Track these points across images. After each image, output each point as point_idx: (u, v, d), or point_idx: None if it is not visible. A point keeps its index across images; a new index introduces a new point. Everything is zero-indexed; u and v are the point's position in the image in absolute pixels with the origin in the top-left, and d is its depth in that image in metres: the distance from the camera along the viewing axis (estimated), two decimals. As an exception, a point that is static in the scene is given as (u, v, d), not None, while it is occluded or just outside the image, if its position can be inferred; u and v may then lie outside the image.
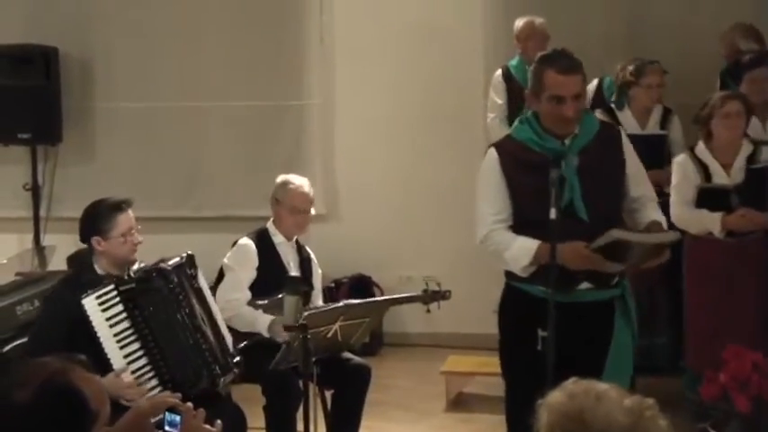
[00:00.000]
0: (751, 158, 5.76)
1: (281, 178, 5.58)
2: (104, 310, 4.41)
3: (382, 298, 6.00)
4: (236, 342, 4.99)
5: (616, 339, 4.28)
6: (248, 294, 5.29)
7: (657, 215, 4.35)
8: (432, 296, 5.43)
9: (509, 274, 4.40)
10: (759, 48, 6.95)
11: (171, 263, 4.62)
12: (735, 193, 5.70)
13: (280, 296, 5.24)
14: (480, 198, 4.35)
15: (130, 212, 4.66)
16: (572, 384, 2.38)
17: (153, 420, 3.00)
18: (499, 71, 7.40)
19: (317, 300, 5.55)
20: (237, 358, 4.84)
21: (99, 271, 4.61)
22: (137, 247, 4.64)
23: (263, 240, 5.44)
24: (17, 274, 5.98)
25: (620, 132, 4.46)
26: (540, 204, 4.09)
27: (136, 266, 4.66)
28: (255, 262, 5.35)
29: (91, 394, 2.57)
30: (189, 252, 4.79)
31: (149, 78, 8.29)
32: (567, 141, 4.24)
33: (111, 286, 4.44)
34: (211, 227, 7.61)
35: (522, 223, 4.26)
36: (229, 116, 8.26)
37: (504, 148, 4.33)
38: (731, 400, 5.15)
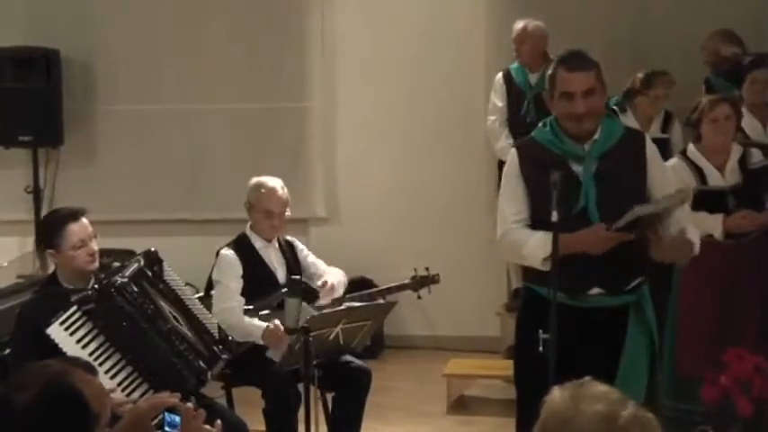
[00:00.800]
0: (742, 161, 5.76)
1: (253, 181, 5.53)
2: (72, 334, 4.34)
3: (373, 290, 5.98)
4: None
5: (628, 347, 4.25)
6: (241, 302, 5.27)
7: (684, 220, 4.32)
8: (420, 281, 5.42)
9: (525, 276, 4.41)
10: (741, 51, 6.96)
11: (128, 272, 4.52)
12: (731, 194, 5.70)
13: (269, 299, 5.29)
14: (502, 197, 4.38)
15: (84, 221, 4.56)
16: (572, 384, 2.40)
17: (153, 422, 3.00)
18: (500, 74, 7.40)
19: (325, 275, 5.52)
20: (230, 338, 4.81)
21: (64, 284, 4.57)
22: (93, 257, 4.56)
23: (243, 247, 5.41)
24: (18, 276, 5.98)
25: (644, 137, 4.43)
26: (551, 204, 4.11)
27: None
28: (239, 270, 5.32)
29: (91, 396, 2.57)
30: (152, 248, 4.75)
31: (150, 81, 8.30)
32: (587, 146, 4.24)
33: (74, 308, 4.36)
34: (212, 229, 7.60)
35: (538, 223, 4.26)
36: (230, 118, 8.27)
37: (525, 148, 4.36)
38: (733, 403, 5.14)
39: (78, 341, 4.33)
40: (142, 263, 4.63)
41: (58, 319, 4.32)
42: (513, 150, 4.39)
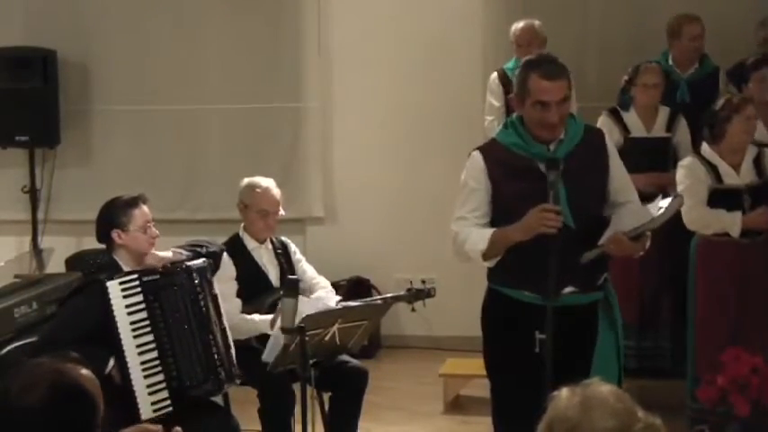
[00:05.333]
0: (756, 160, 5.76)
1: (245, 182, 5.54)
2: (125, 297, 4.51)
3: (367, 300, 5.98)
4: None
5: (600, 342, 4.29)
6: (238, 303, 5.27)
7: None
8: (416, 295, 5.42)
9: (490, 277, 4.41)
10: None
11: (195, 263, 4.72)
12: (747, 193, 5.70)
13: (261, 301, 5.30)
14: (462, 198, 4.33)
15: (146, 208, 4.76)
16: (580, 387, 2.37)
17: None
18: (495, 74, 7.37)
19: (317, 288, 5.52)
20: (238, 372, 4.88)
21: (125, 268, 4.70)
22: (154, 241, 4.75)
23: (235, 248, 5.40)
24: (15, 276, 5.97)
25: (603, 135, 4.46)
26: (524, 208, 4.10)
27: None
28: (233, 272, 5.31)
29: (92, 389, 2.66)
30: (209, 261, 4.86)
31: (147, 81, 8.30)
32: (552, 147, 4.23)
33: (135, 276, 4.56)
34: (209, 229, 7.58)
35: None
36: (226, 118, 8.27)
37: (490, 152, 4.31)
38: (730, 403, 5.14)
39: (127, 306, 4.51)
40: (207, 265, 4.79)
41: (120, 277, 4.53)
42: (477, 153, 4.31)
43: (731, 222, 5.65)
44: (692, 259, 5.84)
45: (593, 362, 4.25)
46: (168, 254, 4.80)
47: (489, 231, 4.19)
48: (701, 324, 5.80)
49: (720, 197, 5.67)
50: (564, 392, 2.36)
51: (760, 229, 5.70)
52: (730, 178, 5.70)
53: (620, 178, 4.37)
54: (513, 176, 4.22)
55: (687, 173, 5.73)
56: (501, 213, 4.25)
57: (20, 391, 2.58)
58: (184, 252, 4.85)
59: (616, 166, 4.36)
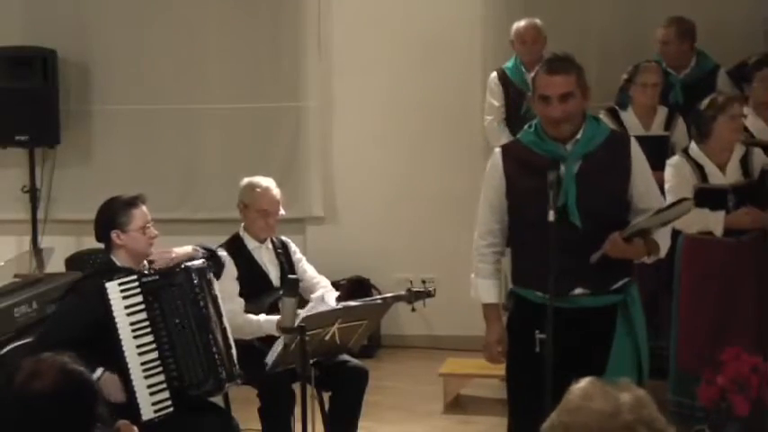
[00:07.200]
0: (743, 160, 5.76)
1: (245, 181, 5.54)
2: (125, 298, 4.50)
3: (367, 299, 5.98)
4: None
5: (615, 347, 4.25)
6: (241, 303, 5.28)
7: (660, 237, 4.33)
8: (416, 295, 5.42)
9: (512, 279, 4.45)
10: None
11: (194, 264, 4.71)
12: (731, 192, 5.70)
13: (261, 301, 5.30)
14: (483, 199, 4.44)
15: (145, 208, 4.75)
16: (589, 383, 2.36)
17: None
18: (494, 74, 7.36)
19: (317, 288, 5.53)
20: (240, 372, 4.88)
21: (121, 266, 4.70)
22: (153, 241, 4.74)
23: (236, 248, 5.40)
24: (15, 276, 5.97)
25: (629, 141, 4.41)
26: (538, 206, 4.12)
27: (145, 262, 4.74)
28: (234, 272, 5.31)
29: (93, 380, 2.84)
30: (209, 262, 4.84)
31: (147, 81, 8.30)
32: (569, 146, 4.25)
33: (134, 276, 4.55)
34: (209, 229, 7.59)
35: (520, 224, 4.31)
36: (226, 118, 8.27)
37: (510, 149, 4.41)
38: (730, 402, 5.15)
39: (127, 307, 4.50)
40: (207, 265, 4.79)
41: (120, 278, 4.51)
42: (498, 150, 4.41)
43: (714, 222, 5.66)
44: (677, 257, 5.85)
45: (608, 365, 4.21)
46: (188, 249, 4.82)
47: (488, 299, 4.46)
48: (684, 321, 5.81)
49: (705, 196, 5.68)
50: (579, 383, 2.35)
51: (743, 228, 5.71)
52: (715, 178, 5.71)
53: (644, 184, 4.33)
54: (527, 173, 4.25)
55: (674, 171, 5.75)
56: (516, 207, 4.32)
57: (27, 380, 2.69)
58: (201, 250, 4.86)
59: (640, 171, 4.33)
